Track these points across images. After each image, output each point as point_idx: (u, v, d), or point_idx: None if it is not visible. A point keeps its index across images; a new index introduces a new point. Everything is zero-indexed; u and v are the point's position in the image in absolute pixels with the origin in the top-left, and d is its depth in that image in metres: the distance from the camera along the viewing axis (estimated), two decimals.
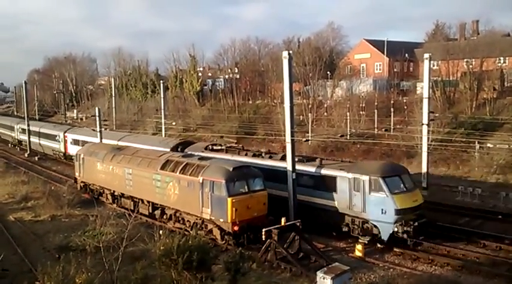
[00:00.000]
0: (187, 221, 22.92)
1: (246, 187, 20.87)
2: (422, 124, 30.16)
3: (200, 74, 72.72)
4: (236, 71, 70.76)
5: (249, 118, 55.95)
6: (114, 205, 28.72)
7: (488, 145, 34.81)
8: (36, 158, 49.96)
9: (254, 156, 26.19)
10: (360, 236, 21.06)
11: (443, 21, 66.20)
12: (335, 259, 18.65)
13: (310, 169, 22.93)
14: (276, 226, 19.41)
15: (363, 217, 20.83)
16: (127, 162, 26.96)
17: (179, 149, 30.50)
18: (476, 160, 34.75)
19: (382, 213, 20.04)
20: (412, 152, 37.84)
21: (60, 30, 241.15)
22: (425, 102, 30.25)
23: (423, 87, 31.84)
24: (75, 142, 43.68)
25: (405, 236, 19.89)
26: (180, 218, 23.50)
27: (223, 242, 21.03)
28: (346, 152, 43.21)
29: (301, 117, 48.50)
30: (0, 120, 71.27)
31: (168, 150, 29.93)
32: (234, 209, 20.00)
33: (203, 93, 69.59)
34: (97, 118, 37.37)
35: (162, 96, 50.51)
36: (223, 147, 29.04)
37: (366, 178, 20.48)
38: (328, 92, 55.04)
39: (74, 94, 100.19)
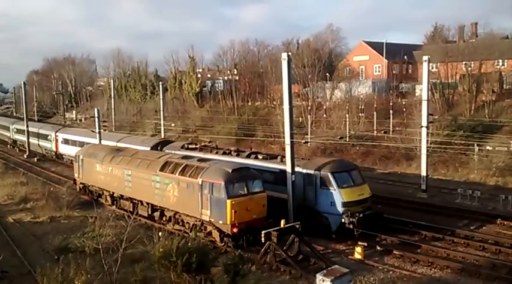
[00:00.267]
0: (187, 223, 22.89)
1: (245, 189, 20.86)
2: (422, 126, 30.21)
3: (199, 75, 72.70)
4: (235, 72, 70.76)
5: (248, 119, 55.92)
6: (114, 207, 28.69)
7: (487, 147, 34.86)
8: (35, 159, 49.92)
9: (224, 154, 27.33)
10: None
11: (442, 23, 66.48)
12: (334, 262, 18.68)
13: (273, 165, 24.11)
14: (276, 228, 19.39)
15: (315, 209, 22.27)
16: (126, 163, 26.93)
17: (158, 148, 32.17)
18: (475, 163, 34.79)
19: (331, 205, 21.76)
20: (411, 154, 37.92)
21: (59, 31, 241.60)
22: (424, 104, 30.31)
23: (422, 89, 31.87)
24: (65, 141, 45.57)
25: (351, 226, 21.26)
26: (179, 220, 23.47)
27: (223, 244, 21.01)
28: (346, 154, 43.22)
29: (300, 118, 48.52)
30: None
31: (148, 148, 31.98)
32: (233, 211, 19.98)
33: (202, 94, 69.58)
34: (96, 120, 37.38)
35: (161, 97, 50.51)
36: (197, 146, 30.77)
37: (317, 173, 22.24)
38: (327, 94, 55.06)
39: (73, 95, 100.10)
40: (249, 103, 62.76)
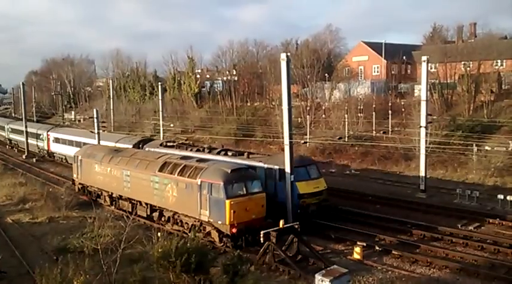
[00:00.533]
0: (186, 223, 22.89)
1: (244, 189, 20.86)
2: (420, 126, 30.27)
3: (198, 76, 72.69)
4: (234, 73, 70.76)
5: (247, 120, 55.92)
6: (112, 207, 28.68)
7: (486, 147, 34.89)
8: (34, 160, 49.92)
9: (197, 151, 28.54)
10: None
11: (441, 23, 66.49)
12: (333, 262, 18.67)
13: (239, 161, 24.77)
14: (275, 228, 19.39)
15: (275, 200, 23.08)
16: (125, 163, 26.92)
17: (140, 146, 33.69)
18: (474, 163, 34.83)
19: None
20: (410, 154, 37.95)
21: (58, 31, 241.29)
22: (423, 104, 30.36)
23: (421, 90, 31.93)
24: (56, 140, 47.66)
25: (305, 216, 22.56)
26: (178, 221, 23.46)
27: (222, 244, 21.00)
28: (344, 154, 43.30)
29: (299, 119, 48.54)
30: None
31: (131, 146, 33.77)
32: (232, 211, 19.99)
33: (201, 95, 69.58)
34: (95, 120, 37.38)
35: (160, 97, 50.50)
36: (174, 144, 32.14)
37: (276, 168, 23.59)
38: (326, 94, 55.08)
39: (71, 95, 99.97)
40: (248, 104, 62.74)
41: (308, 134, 45.11)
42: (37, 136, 52.05)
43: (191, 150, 28.83)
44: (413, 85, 53.06)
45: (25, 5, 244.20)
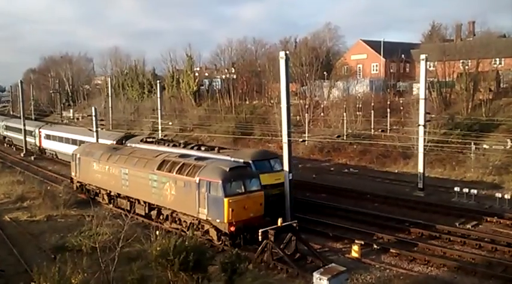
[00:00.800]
0: (184, 221, 22.89)
1: (242, 187, 20.86)
2: (419, 125, 30.30)
3: (197, 74, 72.62)
4: (233, 71, 70.71)
5: (246, 118, 55.93)
6: (111, 206, 28.67)
7: (484, 146, 34.94)
8: (32, 158, 49.90)
9: (174, 146, 30.12)
10: None
11: (440, 22, 66.39)
12: (331, 260, 18.67)
13: (210, 155, 26.01)
14: (273, 226, 19.42)
15: None
16: (123, 162, 26.90)
17: (123, 142, 35.15)
18: (472, 161, 34.87)
19: None
20: (408, 153, 37.98)
21: (56, 29, 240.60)
22: (421, 103, 30.38)
23: (419, 88, 31.94)
24: (47, 136, 49.49)
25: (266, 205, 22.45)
26: (176, 219, 23.47)
27: (220, 242, 21.01)
28: (343, 152, 43.32)
29: (297, 117, 48.54)
30: None
31: (114, 142, 35.27)
32: (230, 209, 19.99)
33: (200, 93, 69.48)
34: (93, 118, 37.32)
35: (158, 96, 50.52)
36: (154, 140, 33.93)
37: (241, 161, 24.37)
38: (324, 93, 55.09)
39: (70, 93, 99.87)
40: (247, 102, 62.74)
41: (307, 132, 45.14)
42: (29, 133, 53.54)
43: (168, 146, 30.53)
44: (411, 83, 53.10)
45: (23, 3, 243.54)
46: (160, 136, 46.49)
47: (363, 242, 20.90)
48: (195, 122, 60.33)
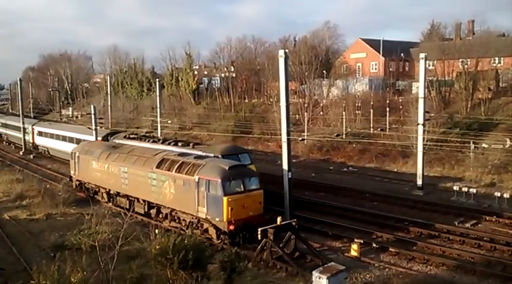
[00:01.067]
0: (183, 220, 22.90)
1: (241, 186, 20.87)
2: (418, 124, 30.29)
3: (196, 72, 72.56)
4: (232, 69, 70.67)
5: (245, 117, 55.91)
6: (110, 204, 28.66)
7: (483, 145, 34.93)
8: (31, 156, 49.86)
9: (153, 142, 31.41)
10: None
11: (439, 21, 66.34)
12: (331, 259, 18.68)
13: (185, 150, 27.12)
14: (272, 225, 19.43)
15: None
16: (122, 160, 26.89)
17: (108, 138, 36.13)
18: (471, 160, 34.87)
19: None
20: (407, 152, 38.00)
21: (55, 27, 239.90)
22: (420, 101, 30.37)
23: (419, 87, 31.95)
24: (40, 133, 51.07)
25: None
26: (175, 218, 23.47)
27: (219, 241, 21.02)
28: (342, 151, 43.34)
29: (297, 116, 48.47)
30: None
31: (100, 138, 36.23)
32: (229, 208, 20.00)
33: (199, 91, 69.46)
34: (92, 116, 37.27)
35: (157, 94, 50.37)
36: (136, 136, 34.93)
37: (211, 155, 25.06)
38: (324, 91, 55.09)
39: (69, 91, 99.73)
40: (246, 101, 62.71)
41: (306, 131, 45.12)
42: (23, 130, 54.86)
43: (148, 141, 31.86)
44: (411, 82, 53.11)
45: (23, 0, 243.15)
46: (159, 135, 46.52)
47: (362, 241, 20.92)
48: (195, 120, 60.29)
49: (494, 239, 21.32)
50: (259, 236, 19.02)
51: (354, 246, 20.19)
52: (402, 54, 60.62)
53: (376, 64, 64.05)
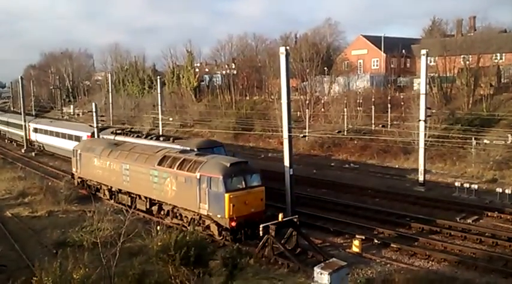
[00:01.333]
0: (185, 217, 22.92)
1: (243, 183, 20.87)
2: (419, 120, 30.28)
3: (197, 70, 72.50)
4: (233, 66, 70.61)
5: (246, 114, 55.88)
6: (112, 201, 28.69)
7: (485, 141, 34.92)
8: (33, 154, 49.96)
9: (137, 137, 33.28)
10: None
11: (441, 17, 66.28)
12: (332, 255, 18.71)
13: (166, 144, 28.66)
14: (274, 221, 19.44)
15: None
16: (124, 157, 26.91)
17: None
18: (473, 156, 34.84)
19: None
20: (409, 148, 38.00)
21: (57, 25, 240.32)
22: (422, 98, 30.34)
23: (420, 83, 31.91)
24: (35, 130, 52.62)
25: None
26: (177, 214, 23.49)
27: (221, 238, 21.04)
28: (343, 148, 43.33)
29: (298, 113, 48.48)
30: None
31: (89, 134, 38.28)
32: (231, 205, 20.01)
33: (200, 88, 69.44)
34: (94, 114, 37.32)
35: (159, 91, 50.36)
36: (123, 131, 36.29)
37: (188, 149, 26.28)
38: (325, 88, 54.98)
39: (70, 89, 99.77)
40: (247, 98, 62.68)
41: (307, 128, 45.07)
42: (20, 127, 55.96)
43: (132, 136, 33.58)
44: (412, 79, 53.00)
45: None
46: (160, 132, 46.58)
47: (363, 237, 20.90)
48: (196, 118, 60.28)
49: (495, 235, 21.34)
50: (260, 232, 19.04)
51: (356, 242, 20.19)
52: (403, 51, 60.48)
53: (377, 60, 63.90)
